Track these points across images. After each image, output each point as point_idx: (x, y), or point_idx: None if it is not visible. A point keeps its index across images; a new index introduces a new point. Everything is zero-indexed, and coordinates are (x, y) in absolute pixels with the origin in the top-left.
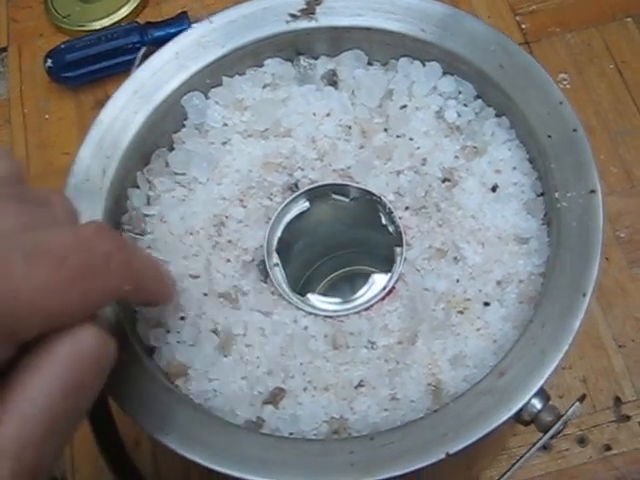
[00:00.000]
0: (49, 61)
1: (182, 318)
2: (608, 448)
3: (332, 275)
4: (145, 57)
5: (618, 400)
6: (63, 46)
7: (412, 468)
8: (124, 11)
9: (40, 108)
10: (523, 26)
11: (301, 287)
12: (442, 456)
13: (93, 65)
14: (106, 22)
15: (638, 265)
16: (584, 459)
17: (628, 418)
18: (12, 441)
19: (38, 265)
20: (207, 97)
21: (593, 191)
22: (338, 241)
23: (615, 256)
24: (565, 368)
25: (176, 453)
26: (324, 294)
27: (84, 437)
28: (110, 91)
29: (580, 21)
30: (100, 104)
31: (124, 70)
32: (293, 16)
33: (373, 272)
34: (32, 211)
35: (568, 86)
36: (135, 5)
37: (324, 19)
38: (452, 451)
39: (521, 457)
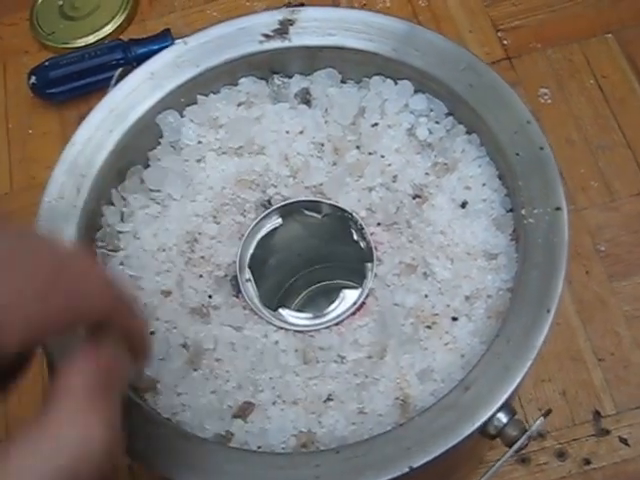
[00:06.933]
0: (33, 78)
1: (152, 333)
2: (587, 462)
3: (308, 290)
4: (121, 77)
5: (598, 414)
6: (47, 63)
7: None
8: (108, 28)
9: (24, 123)
10: (505, 42)
11: (278, 301)
12: (406, 470)
13: (77, 82)
14: (91, 39)
15: (618, 278)
16: (563, 473)
17: (608, 432)
18: None
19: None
20: (182, 115)
21: (559, 208)
22: (312, 256)
23: (595, 269)
24: (544, 381)
25: (144, 466)
26: (301, 308)
27: None
28: (93, 106)
29: (561, 37)
30: (83, 119)
31: (107, 86)
32: (267, 36)
33: (349, 286)
34: None
35: (549, 101)
36: (119, 23)
37: (297, 39)
38: (415, 465)
39: (485, 472)
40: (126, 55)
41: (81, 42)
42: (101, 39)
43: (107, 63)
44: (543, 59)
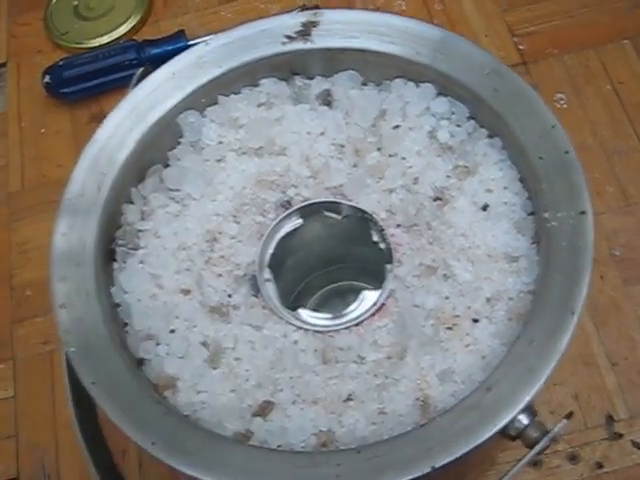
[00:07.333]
0: (47, 77)
1: (172, 331)
2: (600, 466)
3: (323, 290)
4: (142, 77)
5: (610, 418)
6: (61, 63)
7: None
8: (123, 29)
9: (37, 122)
10: (521, 47)
11: (292, 301)
12: (428, 470)
13: (90, 81)
14: (104, 40)
15: (632, 283)
16: (575, 476)
17: (620, 436)
18: None
19: None
20: (203, 115)
21: (583, 212)
22: (330, 257)
23: (610, 274)
24: (557, 384)
25: (164, 463)
26: (315, 308)
27: (70, 447)
28: (105, 106)
29: (577, 43)
30: (95, 119)
31: (120, 86)
32: (289, 37)
33: (364, 287)
34: None
35: (565, 106)
36: (133, 23)
37: (320, 41)
38: (437, 465)
39: (506, 473)
40: (140, 55)
41: (95, 42)
42: (115, 40)
43: (121, 63)
44: (559, 64)
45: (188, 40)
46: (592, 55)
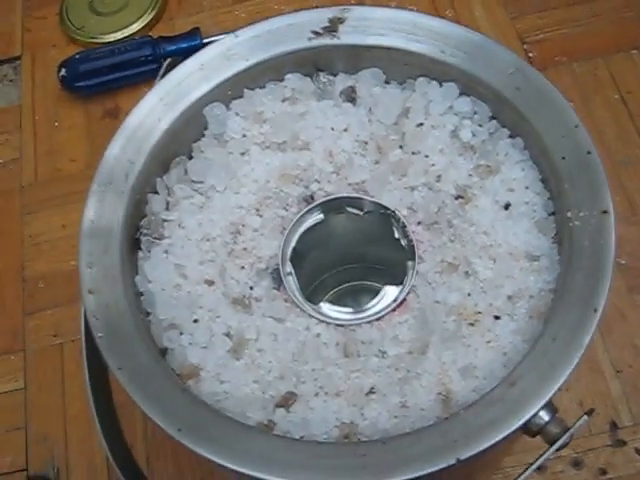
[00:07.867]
0: (63, 70)
1: (195, 321)
2: (603, 472)
3: (338, 288)
4: (170, 68)
5: (614, 425)
6: (77, 56)
7: (423, 472)
8: (137, 25)
9: (50, 116)
10: (530, 54)
11: (307, 298)
12: (453, 461)
13: (105, 76)
14: (119, 35)
15: (638, 292)
16: None
17: (624, 443)
18: None
19: None
20: (228, 108)
21: (605, 211)
22: (349, 254)
23: (615, 282)
24: (561, 390)
25: (191, 450)
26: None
27: (79, 439)
28: (120, 102)
29: (587, 51)
30: (109, 114)
31: (135, 82)
32: (316, 33)
33: (379, 287)
34: None
35: None
36: (148, 20)
37: (346, 37)
38: (463, 457)
39: (536, 460)
40: (155, 52)
41: (110, 37)
42: (129, 36)
43: (136, 59)
44: (568, 73)
45: (203, 38)
46: (601, 64)
